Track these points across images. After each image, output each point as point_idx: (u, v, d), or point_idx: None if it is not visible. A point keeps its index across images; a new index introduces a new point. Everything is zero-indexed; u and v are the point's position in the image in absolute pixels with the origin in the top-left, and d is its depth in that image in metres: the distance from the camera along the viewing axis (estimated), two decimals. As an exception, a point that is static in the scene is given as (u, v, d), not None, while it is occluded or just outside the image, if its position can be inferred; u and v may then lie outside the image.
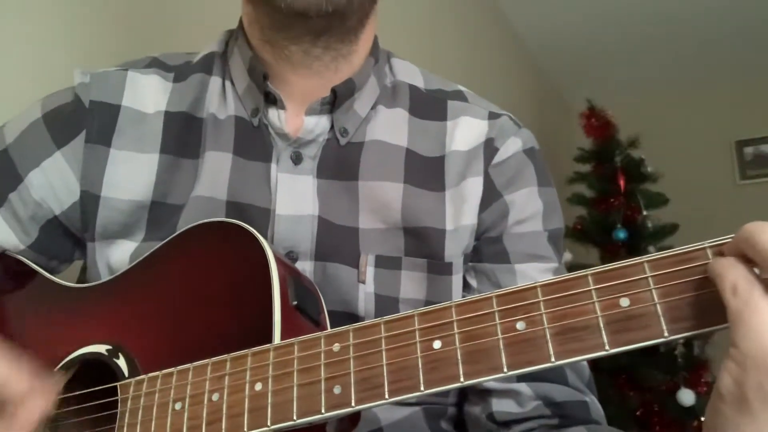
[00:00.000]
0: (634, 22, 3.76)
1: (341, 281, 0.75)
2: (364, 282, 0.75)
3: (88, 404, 0.67)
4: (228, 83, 0.81)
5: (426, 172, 0.79)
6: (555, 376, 0.74)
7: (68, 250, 0.82)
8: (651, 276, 0.41)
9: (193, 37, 1.18)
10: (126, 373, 0.64)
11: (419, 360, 0.47)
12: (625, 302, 0.41)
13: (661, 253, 0.42)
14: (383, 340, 0.49)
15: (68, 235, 0.80)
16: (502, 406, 0.75)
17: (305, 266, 0.75)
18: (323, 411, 0.50)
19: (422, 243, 0.77)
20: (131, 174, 0.76)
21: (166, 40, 1.37)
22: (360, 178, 0.77)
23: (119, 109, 0.78)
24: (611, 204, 3.33)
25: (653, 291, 0.41)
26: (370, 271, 0.75)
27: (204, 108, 0.80)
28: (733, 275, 0.38)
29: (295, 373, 0.52)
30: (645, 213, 3.27)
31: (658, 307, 0.40)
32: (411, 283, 0.76)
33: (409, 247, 0.77)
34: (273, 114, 0.78)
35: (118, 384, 0.63)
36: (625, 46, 4.07)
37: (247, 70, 0.78)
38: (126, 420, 0.59)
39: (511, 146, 0.81)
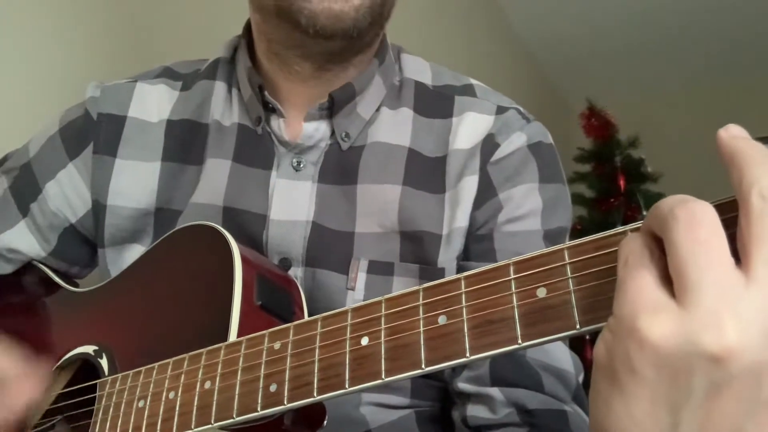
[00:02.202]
0: (634, 22, 3.75)
1: (330, 288, 0.74)
2: (353, 289, 0.74)
3: (74, 401, 0.71)
4: (235, 90, 0.82)
5: (427, 173, 0.77)
6: (530, 382, 0.71)
7: (87, 257, 0.86)
8: (569, 263, 0.39)
9: (201, 40, 1.18)
10: (106, 372, 0.66)
11: (347, 357, 0.46)
12: (542, 292, 0.39)
13: (584, 238, 0.39)
14: (318, 337, 0.49)
15: (86, 242, 0.84)
16: (475, 411, 0.72)
17: (297, 272, 0.75)
18: (258, 409, 0.49)
19: (417, 247, 0.75)
20: (134, 182, 0.79)
21: (168, 42, 1.38)
22: (359, 182, 0.76)
23: (125, 119, 0.81)
24: (611, 204, 3.33)
25: (570, 279, 0.39)
26: (361, 278, 0.74)
27: (209, 114, 0.81)
28: (628, 248, 0.36)
29: (239, 371, 0.52)
30: (645, 213, 3.23)
31: (573, 296, 0.38)
32: (403, 289, 0.74)
33: (403, 252, 0.76)
34: (274, 122, 0.78)
35: (97, 382, 0.65)
36: (625, 46, 4.05)
37: (247, 79, 0.79)
38: (99, 416, 0.62)
39: (515, 141, 0.78)
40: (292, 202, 0.76)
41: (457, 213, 0.76)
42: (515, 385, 0.71)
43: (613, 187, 3.35)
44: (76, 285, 0.84)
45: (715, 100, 4.61)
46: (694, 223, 0.33)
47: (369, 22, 0.69)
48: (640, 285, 0.34)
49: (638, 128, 3.41)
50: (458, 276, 0.44)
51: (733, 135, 0.36)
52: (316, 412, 0.58)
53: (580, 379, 0.75)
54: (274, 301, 0.64)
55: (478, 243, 0.76)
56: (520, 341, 0.39)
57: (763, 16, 3.63)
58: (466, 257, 0.77)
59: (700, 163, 4.57)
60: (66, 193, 0.80)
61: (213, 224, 0.68)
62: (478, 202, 0.76)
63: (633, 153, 3.39)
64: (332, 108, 0.76)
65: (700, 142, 4.59)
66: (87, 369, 0.71)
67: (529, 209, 0.76)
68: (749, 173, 0.34)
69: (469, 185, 0.76)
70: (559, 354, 0.73)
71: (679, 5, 3.55)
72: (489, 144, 0.77)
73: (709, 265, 0.32)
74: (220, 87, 0.82)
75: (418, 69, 0.85)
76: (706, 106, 4.62)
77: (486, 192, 0.76)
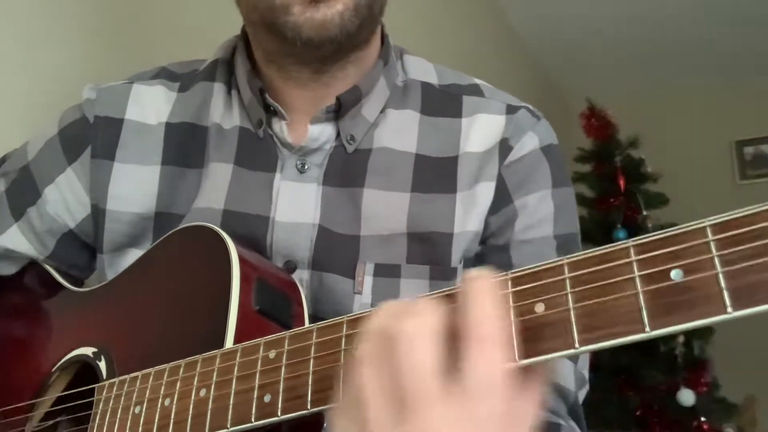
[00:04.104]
0: (634, 23, 3.75)
1: (337, 292, 0.73)
2: (360, 293, 0.73)
3: (74, 403, 0.70)
4: (234, 92, 0.81)
5: (436, 174, 0.76)
6: None
7: (85, 261, 0.85)
8: (569, 278, 0.38)
9: (199, 41, 1.18)
10: (104, 375, 0.66)
11: (342, 369, 0.45)
12: (540, 308, 0.38)
13: (584, 252, 0.39)
14: (313, 347, 0.48)
15: (85, 246, 0.83)
16: None
17: (303, 275, 0.74)
18: (253, 420, 0.49)
19: (427, 248, 0.75)
20: (134, 186, 0.78)
21: (166, 42, 1.38)
22: (366, 186, 0.76)
23: (122, 122, 0.80)
24: (611, 204, 3.33)
25: (569, 295, 0.38)
26: (368, 281, 0.74)
27: (208, 116, 0.80)
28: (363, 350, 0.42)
29: (234, 380, 0.52)
30: (645, 213, 3.27)
31: (572, 313, 0.37)
32: (411, 292, 0.74)
33: (411, 254, 0.75)
34: (276, 124, 0.77)
35: (95, 386, 0.65)
36: (625, 46, 4.05)
37: (247, 83, 0.78)
38: (96, 421, 0.61)
39: (528, 143, 0.77)
40: (297, 204, 0.75)
41: (471, 216, 0.75)
42: None
43: (613, 187, 3.35)
44: (80, 285, 0.84)
45: (715, 100, 4.61)
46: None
47: (357, 24, 0.68)
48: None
49: (638, 128, 3.40)
50: (456, 288, 0.43)
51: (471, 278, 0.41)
52: (313, 421, 0.57)
53: (581, 394, 0.75)
54: (272, 305, 0.63)
55: (496, 254, 0.76)
56: (516, 359, 0.38)
57: (763, 17, 3.62)
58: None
59: (700, 163, 4.60)
60: (65, 198, 0.79)
61: (211, 225, 0.67)
62: (494, 208, 0.76)
63: (633, 153, 3.39)
64: (338, 111, 0.75)
65: (700, 142, 4.62)
66: (89, 370, 0.70)
67: (542, 216, 0.77)
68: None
69: (486, 191, 0.76)
70: (564, 371, 0.73)
71: (679, 6, 3.55)
72: (504, 148, 0.77)
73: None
74: (219, 89, 0.81)
75: (422, 69, 0.84)
76: (706, 106, 4.62)
77: (501, 197, 0.76)
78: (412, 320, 0.39)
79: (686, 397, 2.88)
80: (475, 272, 0.42)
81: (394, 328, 0.39)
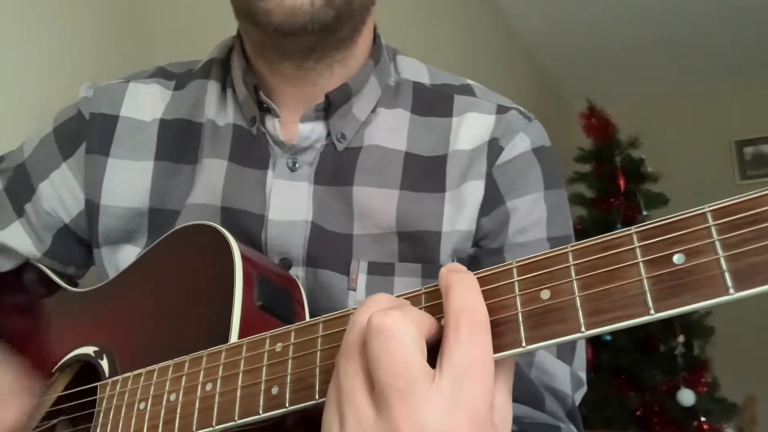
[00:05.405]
0: (634, 22, 3.75)
1: (332, 288, 0.74)
2: (354, 290, 0.74)
3: (74, 403, 0.70)
4: (229, 90, 0.81)
5: (426, 173, 0.77)
6: (532, 400, 0.71)
7: (82, 256, 0.85)
8: (573, 265, 0.39)
9: (196, 41, 1.19)
10: (107, 374, 0.66)
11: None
12: (545, 294, 0.39)
13: (587, 240, 0.40)
14: (319, 340, 0.48)
15: (80, 242, 0.83)
16: None
17: (298, 272, 0.75)
18: (261, 412, 0.49)
19: (417, 247, 0.75)
20: (128, 182, 0.78)
21: (163, 44, 1.38)
22: (355, 184, 0.76)
23: (117, 119, 0.80)
24: (611, 204, 3.34)
25: (574, 281, 0.38)
26: (362, 279, 0.74)
27: (203, 113, 0.81)
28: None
29: (240, 374, 0.52)
30: (645, 213, 3.27)
31: (578, 299, 0.38)
32: (404, 290, 0.73)
33: (403, 252, 0.75)
34: (269, 122, 0.77)
35: (98, 384, 0.65)
36: (625, 46, 4.06)
37: (242, 80, 0.78)
38: (100, 419, 0.61)
39: (519, 145, 0.77)
40: (289, 202, 0.75)
41: (461, 215, 0.75)
42: (517, 401, 0.70)
43: (613, 187, 3.36)
44: (76, 285, 0.83)
45: (715, 100, 4.62)
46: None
47: (333, 15, 0.68)
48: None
49: (638, 128, 3.41)
50: None
51: (450, 269, 0.43)
52: (320, 411, 0.58)
53: (578, 396, 0.76)
54: (275, 301, 0.64)
55: (491, 257, 0.76)
56: (524, 344, 0.39)
57: (762, 17, 3.63)
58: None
59: (700, 163, 4.60)
60: (59, 193, 0.80)
61: (213, 224, 0.67)
62: (485, 209, 0.76)
63: (633, 153, 3.40)
64: (328, 109, 0.76)
65: (700, 142, 4.63)
66: (88, 370, 0.70)
67: (535, 219, 0.76)
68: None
69: (474, 190, 0.76)
70: (561, 376, 0.74)
71: (679, 5, 3.55)
72: (493, 148, 0.77)
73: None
74: (213, 86, 0.82)
75: (414, 69, 0.84)
76: (706, 106, 4.63)
77: (493, 198, 0.76)
78: (396, 313, 0.40)
79: (686, 397, 2.88)
80: (452, 265, 0.44)
81: (377, 321, 0.40)
